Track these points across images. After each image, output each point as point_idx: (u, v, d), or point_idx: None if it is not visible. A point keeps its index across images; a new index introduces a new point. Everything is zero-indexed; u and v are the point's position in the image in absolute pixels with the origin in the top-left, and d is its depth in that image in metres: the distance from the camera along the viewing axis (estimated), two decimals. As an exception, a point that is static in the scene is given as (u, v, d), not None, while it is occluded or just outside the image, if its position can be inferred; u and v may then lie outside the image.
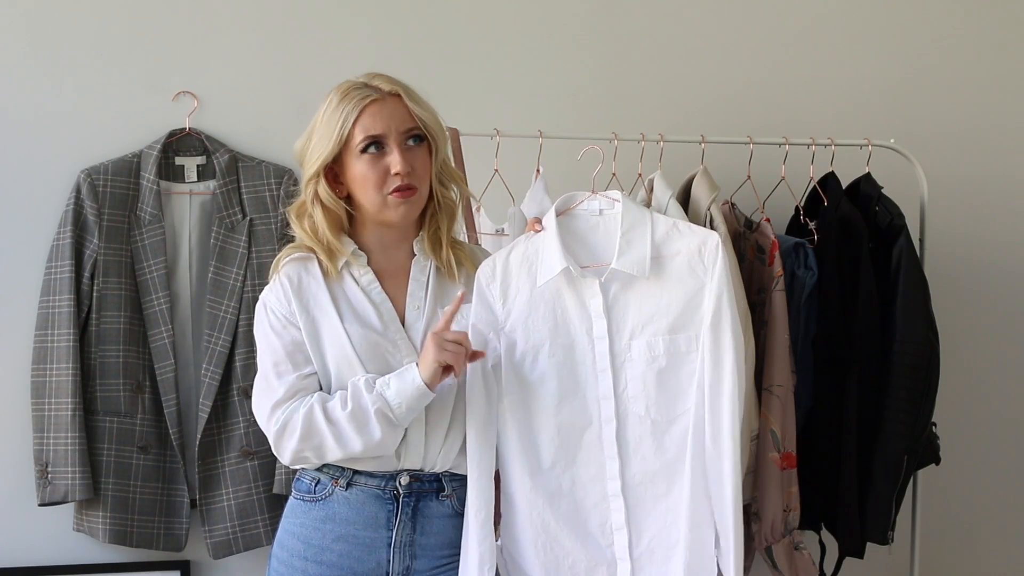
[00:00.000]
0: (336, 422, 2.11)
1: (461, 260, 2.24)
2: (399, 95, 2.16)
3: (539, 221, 2.34)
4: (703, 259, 2.24)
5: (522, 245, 2.31)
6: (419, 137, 2.17)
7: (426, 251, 2.23)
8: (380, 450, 2.13)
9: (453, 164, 2.36)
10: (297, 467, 2.22)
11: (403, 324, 2.20)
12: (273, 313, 2.19)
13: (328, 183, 2.17)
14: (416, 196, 2.17)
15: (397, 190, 2.14)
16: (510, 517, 2.26)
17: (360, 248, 2.22)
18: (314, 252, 2.21)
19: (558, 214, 2.31)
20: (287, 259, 2.23)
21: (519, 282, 2.27)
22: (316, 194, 2.17)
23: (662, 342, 2.23)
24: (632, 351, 2.23)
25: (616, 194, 2.33)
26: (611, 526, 2.23)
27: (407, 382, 2.10)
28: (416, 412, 2.13)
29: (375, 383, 2.12)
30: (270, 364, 2.18)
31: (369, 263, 2.22)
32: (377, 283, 2.21)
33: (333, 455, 2.13)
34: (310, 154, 2.17)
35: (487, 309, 2.26)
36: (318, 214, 2.18)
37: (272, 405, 2.16)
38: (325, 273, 2.21)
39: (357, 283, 2.21)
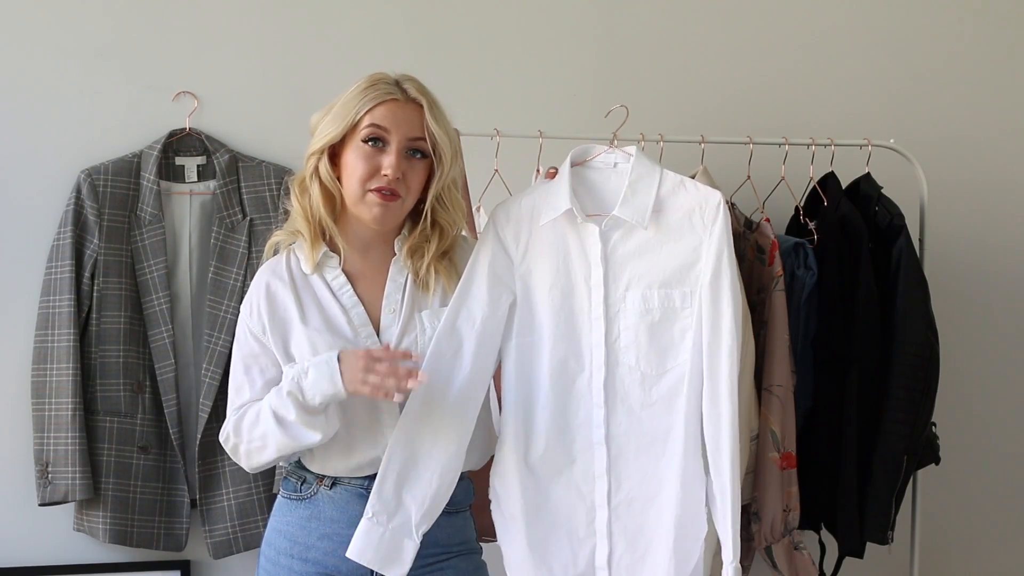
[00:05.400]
0: (261, 420, 2.12)
1: (440, 271, 2.21)
2: (421, 105, 2.15)
3: (556, 169, 2.35)
4: (703, 216, 2.25)
5: (535, 191, 2.33)
6: (423, 153, 2.16)
7: (405, 256, 2.21)
8: (309, 438, 2.11)
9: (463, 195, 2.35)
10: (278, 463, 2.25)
11: (378, 327, 2.19)
12: (245, 325, 2.22)
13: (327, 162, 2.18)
14: (396, 204, 2.14)
15: (379, 191, 2.13)
16: (501, 455, 2.28)
17: (342, 242, 2.20)
18: (299, 237, 2.21)
19: (573, 164, 2.33)
20: (264, 264, 2.26)
21: (530, 225, 2.29)
22: (316, 170, 2.16)
23: (657, 296, 2.24)
24: (627, 301, 2.25)
25: (632, 149, 2.35)
26: (593, 473, 2.26)
27: (325, 377, 2.07)
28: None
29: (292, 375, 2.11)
30: (240, 368, 2.22)
31: (346, 264, 2.21)
32: (349, 286, 2.20)
33: (269, 453, 2.14)
34: (321, 129, 2.17)
35: (502, 251, 2.28)
36: (315, 190, 2.17)
37: (230, 412, 2.22)
38: (294, 275, 2.21)
39: (328, 286, 2.20)
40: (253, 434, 2.14)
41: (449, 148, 2.17)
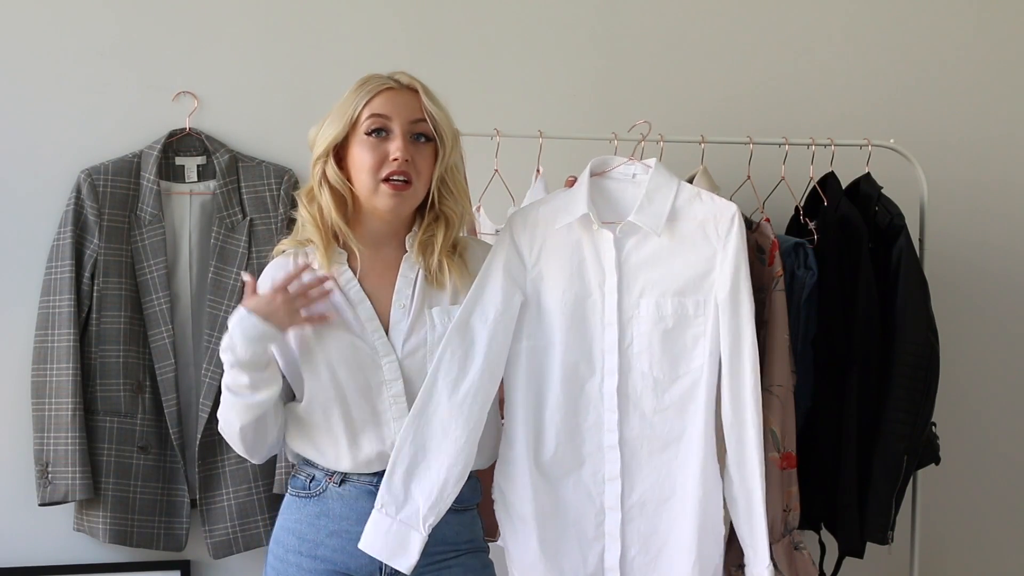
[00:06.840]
0: (224, 400, 2.17)
1: (451, 268, 2.21)
2: (416, 90, 2.17)
3: (575, 178, 2.39)
4: (717, 227, 2.30)
5: (554, 199, 2.37)
6: (427, 136, 2.17)
7: (416, 252, 2.21)
8: (255, 407, 2.14)
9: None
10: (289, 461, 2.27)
11: (388, 323, 2.19)
12: None
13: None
14: (409, 191, 2.15)
15: (391, 180, 2.13)
16: (509, 456, 2.29)
17: (355, 243, 2.19)
18: (309, 244, 2.21)
19: (592, 174, 2.37)
20: (271, 263, 2.26)
21: (545, 230, 2.31)
22: (324, 174, 2.16)
23: (670, 303, 2.28)
24: (640, 309, 2.28)
25: (652, 161, 2.39)
26: (604, 476, 2.29)
27: (248, 336, 2.09)
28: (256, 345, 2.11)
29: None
30: None
31: (357, 261, 2.20)
32: (356, 282, 2.20)
33: (234, 425, 2.17)
34: (321, 134, 2.17)
35: (516, 255, 2.30)
36: (325, 196, 2.17)
37: None
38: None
39: (335, 282, 2.20)
40: (222, 413, 2.18)
41: (449, 129, 2.18)
